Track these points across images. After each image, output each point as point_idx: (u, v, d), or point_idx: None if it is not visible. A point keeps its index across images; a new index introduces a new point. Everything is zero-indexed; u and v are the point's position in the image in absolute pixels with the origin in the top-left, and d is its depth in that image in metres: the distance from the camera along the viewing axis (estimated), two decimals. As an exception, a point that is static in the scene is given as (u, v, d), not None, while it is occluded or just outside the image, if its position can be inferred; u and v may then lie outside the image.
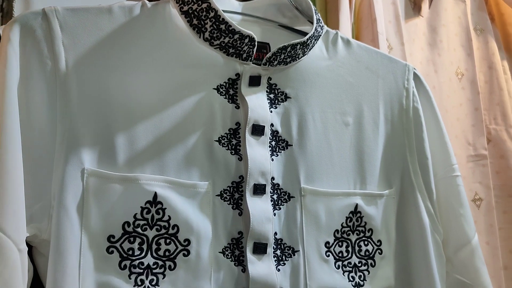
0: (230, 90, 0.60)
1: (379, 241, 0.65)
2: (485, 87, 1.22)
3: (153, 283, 0.53)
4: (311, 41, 0.63)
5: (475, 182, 1.12)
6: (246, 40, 0.58)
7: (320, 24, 0.65)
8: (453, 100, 1.13)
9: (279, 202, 0.60)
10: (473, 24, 1.25)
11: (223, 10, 0.58)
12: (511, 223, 1.18)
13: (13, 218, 0.47)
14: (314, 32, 0.63)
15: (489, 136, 1.20)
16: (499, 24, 1.32)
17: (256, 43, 0.59)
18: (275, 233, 0.59)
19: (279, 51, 0.60)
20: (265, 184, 0.59)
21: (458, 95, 1.14)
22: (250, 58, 0.60)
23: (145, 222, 0.53)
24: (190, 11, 0.58)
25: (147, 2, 0.59)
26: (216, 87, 0.59)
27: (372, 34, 0.92)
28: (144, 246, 0.53)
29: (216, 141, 0.58)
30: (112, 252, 0.52)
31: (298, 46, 0.61)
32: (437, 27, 1.16)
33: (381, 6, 0.96)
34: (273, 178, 0.60)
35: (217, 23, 0.58)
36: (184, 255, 0.54)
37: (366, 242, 0.64)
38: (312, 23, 0.66)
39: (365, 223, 0.64)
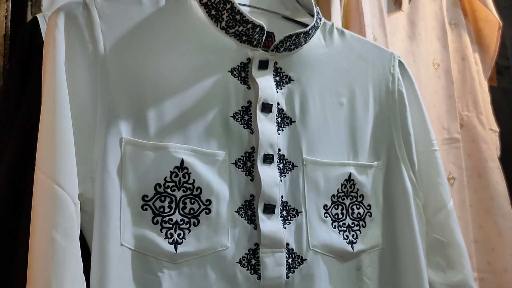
0: (242, 72, 0.69)
1: (369, 205, 0.75)
2: (458, 77, 1.33)
3: (180, 236, 0.61)
4: (312, 31, 0.72)
5: (449, 163, 1.23)
6: (257, 29, 0.67)
7: (319, 16, 0.74)
8: (429, 88, 1.24)
9: (285, 170, 0.69)
10: (448, 19, 1.36)
11: (235, 3, 0.67)
12: (481, 201, 1.30)
13: (69, 177, 0.55)
14: (314, 24, 0.72)
15: (462, 122, 1.31)
16: (471, 19, 1.44)
17: (265, 32, 0.68)
18: (282, 197, 0.68)
19: (285, 39, 0.69)
20: (273, 155, 0.68)
21: (434, 83, 1.25)
22: (260, 45, 0.69)
23: (173, 184, 0.62)
24: (209, 3, 0.67)
25: (171, -6, 0.68)
26: (230, 70, 0.68)
27: (359, 26, 1.01)
28: (173, 205, 0.62)
29: (231, 116, 0.67)
30: (146, 209, 0.60)
31: (301, 35, 0.70)
32: (416, 21, 1.26)
33: (368, 1, 1.05)
34: (279, 150, 0.69)
35: (232, 14, 0.66)
36: (206, 213, 0.63)
37: (358, 206, 0.74)
38: (311, 15, 0.75)
39: (357, 189, 0.74)
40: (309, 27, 0.71)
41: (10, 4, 0.75)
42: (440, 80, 1.26)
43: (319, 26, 0.74)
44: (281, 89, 0.71)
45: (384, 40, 1.08)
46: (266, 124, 0.68)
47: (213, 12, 0.67)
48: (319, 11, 0.75)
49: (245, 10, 0.73)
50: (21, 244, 0.57)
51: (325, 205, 0.71)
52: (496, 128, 1.39)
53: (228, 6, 0.66)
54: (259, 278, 0.64)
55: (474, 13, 1.42)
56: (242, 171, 0.67)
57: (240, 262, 0.64)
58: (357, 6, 1.02)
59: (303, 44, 0.72)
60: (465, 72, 1.34)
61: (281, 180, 0.68)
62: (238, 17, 0.66)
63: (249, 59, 0.69)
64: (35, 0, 0.77)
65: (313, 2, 0.75)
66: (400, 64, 0.81)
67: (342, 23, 1.01)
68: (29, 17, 0.76)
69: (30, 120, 0.62)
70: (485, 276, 1.26)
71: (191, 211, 0.62)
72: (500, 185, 1.30)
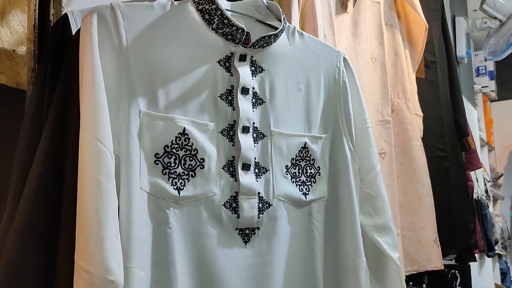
0: (227, 63, 0.90)
1: (319, 167, 0.98)
2: (391, 70, 1.59)
3: (182, 184, 0.83)
4: (280, 33, 0.94)
5: (381, 140, 1.49)
6: (240, 31, 0.89)
7: (285, 21, 0.96)
8: (368, 79, 1.49)
9: (257, 138, 0.92)
10: (384, 20, 1.61)
11: (221, 9, 0.88)
12: (406, 172, 1.58)
13: (108, 137, 0.75)
14: (282, 27, 0.94)
15: (393, 107, 1.58)
16: (404, 21, 1.70)
17: (245, 33, 0.89)
18: (255, 158, 0.90)
19: (260, 39, 0.91)
20: (249, 126, 0.90)
21: (372, 75, 1.50)
22: (240, 42, 0.90)
23: (177, 145, 0.83)
24: (204, 10, 0.87)
25: (174, 1, 0.88)
26: (218, 61, 0.89)
27: (313, 26, 1.24)
28: (177, 161, 0.83)
29: (218, 97, 0.88)
30: (157, 164, 0.81)
31: (272, 36, 0.92)
32: (358, 22, 1.51)
33: (320, 5, 1.28)
34: (254, 123, 0.91)
35: (221, 19, 0.87)
36: (200, 168, 0.84)
37: (310, 167, 0.98)
38: (279, 20, 0.97)
39: (310, 155, 0.97)
40: (278, 30, 0.93)
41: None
42: (377, 72, 1.52)
43: (284, 29, 0.96)
44: (256, 77, 0.93)
45: (332, 38, 1.32)
46: (244, 103, 0.90)
47: (206, 17, 0.88)
48: (285, 17, 0.97)
49: (228, 14, 0.95)
50: (66, 191, 0.76)
51: (287, 166, 0.94)
52: (420, 113, 1.68)
53: (219, 12, 0.87)
54: (238, 217, 0.87)
55: (406, 16, 1.69)
56: (226, 138, 0.88)
57: (224, 205, 0.86)
58: (312, 9, 1.25)
59: (273, 43, 0.94)
60: (397, 66, 1.61)
61: (255, 146, 0.90)
62: (226, 21, 0.87)
63: (232, 53, 0.90)
64: (56, -4, 0.95)
65: (280, 10, 0.97)
66: (345, 60, 1.05)
67: (299, 24, 1.24)
68: (52, 11, 0.94)
69: (66, 94, 0.81)
70: (407, 233, 1.55)
71: (190, 166, 0.84)
72: (421, 159, 1.58)
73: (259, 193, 0.89)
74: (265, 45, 0.93)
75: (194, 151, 0.84)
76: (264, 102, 0.93)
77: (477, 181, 3.13)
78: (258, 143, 0.91)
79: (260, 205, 0.89)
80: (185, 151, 0.83)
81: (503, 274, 4.04)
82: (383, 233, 1.01)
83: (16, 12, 0.87)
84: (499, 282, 3.81)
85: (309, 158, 0.97)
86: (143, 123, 0.80)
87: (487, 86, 4.05)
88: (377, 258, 1.01)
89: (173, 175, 0.82)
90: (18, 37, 0.88)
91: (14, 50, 0.87)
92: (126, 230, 0.76)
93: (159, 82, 0.83)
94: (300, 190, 0.95)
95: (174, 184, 0.82)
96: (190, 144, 0.84)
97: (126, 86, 0.80)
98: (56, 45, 0.86)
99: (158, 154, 0.81)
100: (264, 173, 0.91)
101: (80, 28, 0.82)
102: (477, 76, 4.02)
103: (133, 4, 0.84)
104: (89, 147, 0.74)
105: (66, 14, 0.88)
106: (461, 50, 2.97)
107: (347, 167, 0.99)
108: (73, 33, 0.87)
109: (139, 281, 0.76)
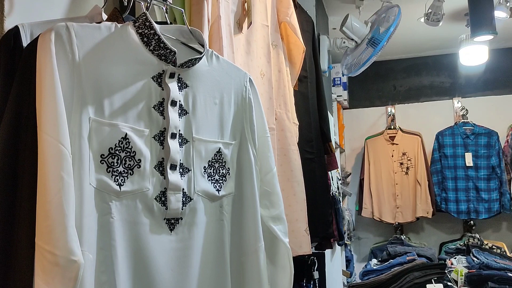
0: (159, 79, 1.07)
1: (229, 168, 1.19)
2: (275, 84, 1.85)
3: (123, 181, 0.98)
4: (202, 56, 1.13)
5: (266, 145, 1.74)
6: (172, 53, 1.06)
7: (206, 46, 1.15)
8: (258, 92, 1.73)
9: (182, 143, 1.10)
10: (271, 41, 1.86)
11: (158, 34, 1.04)
12: (284, 172, 1.84)
13: (67, 138, 0.87)
14: (204, 52, 1.13)
15: (276, 116, 1.83)
16: (286, 42, 1.97)
17: (176, 55, 1.07)
18: (180, 160, 1.08)
19: (188, 60, 1.09)
20: (176, 133, 1.07)
21: (260, 88, 1.74)
22: (171, 62, 1.07)
23: (120, 148, 0.97)
24: (143, 33, 1.03)
25: (117, 24, 1.02)
26: (152, 77, 1.05)
27: (219, 46, 1.44)
28: (119, 161, 0.97)
29: (152, 107, 1.05)
30: (103, 163, 0.95)
31: (197, 59, 1.11)
32: (251, 41, 1.73)
33: (224, 28, 1.49)
34: (180, 130, 1.09)
35: (158, 42, 1.04)
36: (137, 167, 1.00)
37: (222, 168, 1.18)
38: (200, 44, 1.16)
39: (223, 158, 1.17)
40: (202, 55, 1.12)
41: (-17, 9, 1.00)
42: (264, 86, 1.76)
43: (205, 53, 1.15)
44: (181, 91, 1.11)
45: (232, 56, 1.52)
46: (173, 114, 1.07)
47: (145, 39, 1.03)
48: (207, 43, 1.16)
49: (163, 37, 1.11)
50: (23, 185, 0.87)
51: (204, 167, 1.13)
52: (297, 122, 1.96)
53: (156, 37, 1.03)
54: (166, 208, 1.04)
55: (287, 38, 1.96)
56: (157, 143, 1.05)
57: (155, 199, 1.03)
58: (218, 31, 1.45)
59: (196, 63, 1.13)
60: (280, 81, 1.87)
61: (180, 150, 1.08)
62: (162, 45, 1.04)
63: (163, 70, 1.07)
64: (-3, 7, 1.03)
65: (202, 35, 1.16)
66: (250, 80, 1.27)
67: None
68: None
69: (21, 97, 0.91)
70: (283, 224, 1.81)
71: (129, 166, 0.99)
72: (297, 161, 1.86)
73: (183, 189, 1.08)
74: (190, 65, 1.11)
75: (133, 153, 1.00)
76: (188, 113, 1.11)
77: (332, 179, 3.58)
78: (182, 147, 1.09)
79: (184, 199, 1.08)
80: (125, 153, 0.99)
81: (348, 261, 4.61)
82: (277, 222, 1.25)
83: (-35, 19, 0.94)
84: (344, 268, 4.35)
85: (221, 161, 1.18)
86: (92, 128, 0.94)
87: (341, 96, 4.57)
88: (272, 243, 1.25)
89: (115, 173, 0.97)
90: (-33, 42, 0.95)
91: (-37, 55, 0.94)
92: (78, 219, 0.89)
93: (105, 93, 0.97)
94: (214, 187, 1.15)
95: (116, 180, 0.97)
96: (130, 147, 0.99)
97: (77, 96, 0.93)
98: (8, 53, 0.95)
99: (103, 155, 0.96)
100: (187, 173, 1.10)
101: (34, 40, 0.93)
102: (333, 86, 4.52)
103: (84, 24, 0.96)
104: (51, 148, 0.86)
105: (17, 26, 0.97)
106: (324, 64, 3.38)
107: (250, 168, 1.21)
108: (24, 44, 0.97)
109: (89, 262, 0.90)
